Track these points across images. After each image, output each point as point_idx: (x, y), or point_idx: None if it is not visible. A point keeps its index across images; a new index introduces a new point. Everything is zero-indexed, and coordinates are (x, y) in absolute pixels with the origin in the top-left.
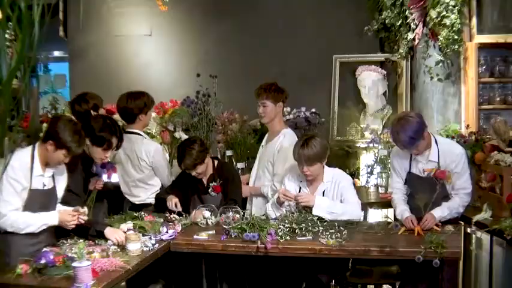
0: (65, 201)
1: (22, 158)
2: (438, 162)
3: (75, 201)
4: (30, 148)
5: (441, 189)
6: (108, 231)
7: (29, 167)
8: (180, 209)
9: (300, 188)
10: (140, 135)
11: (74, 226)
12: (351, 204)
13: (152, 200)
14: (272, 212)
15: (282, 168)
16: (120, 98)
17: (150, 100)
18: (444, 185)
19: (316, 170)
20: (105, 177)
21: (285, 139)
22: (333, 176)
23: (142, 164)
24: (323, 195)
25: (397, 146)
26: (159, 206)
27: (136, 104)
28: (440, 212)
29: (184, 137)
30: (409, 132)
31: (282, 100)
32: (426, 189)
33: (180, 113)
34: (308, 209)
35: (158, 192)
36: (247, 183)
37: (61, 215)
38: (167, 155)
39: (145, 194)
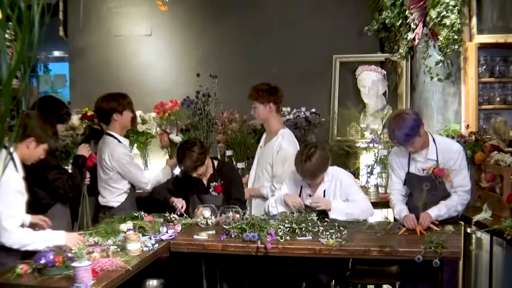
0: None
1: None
2: (437, 161)
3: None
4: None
5: (441, 188)
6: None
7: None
8: (182, 210)
9: (301, 187)
10: (115, 137)
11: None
12: (361, 202)
13: (115, 204)
14: (275, 208)
15: (282, 169)
16: (97, 99)
17: (126, 101)
18: (444, 183)
19: (320, 179)
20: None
21: (283, 140)
22: (332, 175)
23: (106, 166)
24: (324, 195)
25: (393, 143)
26: (157, 202)
27: (109, 105)
28: (437, 211)
29: (179, 140)
30: (404, 129)
31: (274, 101)
32: (425, 189)
33: (178, 114)
34: (309, 209)
35: (158, 185)
36: (247, 185)
37: (69, 236)
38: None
39: (110, 196)
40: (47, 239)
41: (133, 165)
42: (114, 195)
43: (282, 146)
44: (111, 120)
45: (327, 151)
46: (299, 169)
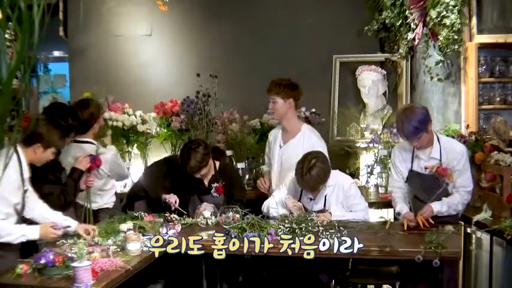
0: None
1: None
2: (440, 160)
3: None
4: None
5: (444, 187)
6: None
7: (20, 175)
8: (176, 205)
9: (302, 191)
10: (93, 144)
11: (55, 238)
12: (362, 211)
13: (110, 205)
14: (275, 209)
15: None
16: None
17: (98, 105)
18: (446, 184)
19: (320, 189)
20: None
21: (313, 135)
22: (334, 182)
23: (101, 172)
24: (325, 200)
25: (400, 136)
26: (154, 203)
27: (89, 111)
28: (439, 206)
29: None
30: (413, 122)
31: (294, 97)
32: (427, 187)
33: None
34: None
35: (151, 182)
36: (268, 189)
37: (42, 229)
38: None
39: (102, 200)
40: (20, 232)
41: (119, 159)
42: (106, 197)
43: (315, 142)
44: (90, 128)
45: (328, 162)
46: (299, 181)
